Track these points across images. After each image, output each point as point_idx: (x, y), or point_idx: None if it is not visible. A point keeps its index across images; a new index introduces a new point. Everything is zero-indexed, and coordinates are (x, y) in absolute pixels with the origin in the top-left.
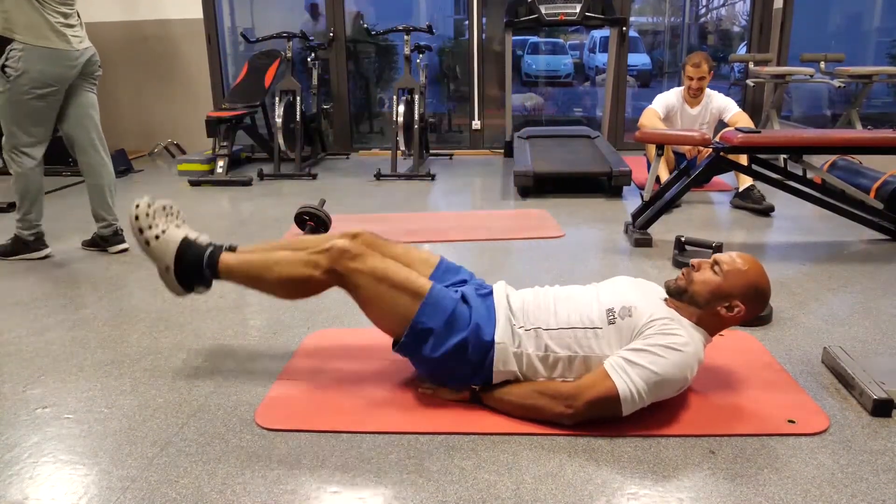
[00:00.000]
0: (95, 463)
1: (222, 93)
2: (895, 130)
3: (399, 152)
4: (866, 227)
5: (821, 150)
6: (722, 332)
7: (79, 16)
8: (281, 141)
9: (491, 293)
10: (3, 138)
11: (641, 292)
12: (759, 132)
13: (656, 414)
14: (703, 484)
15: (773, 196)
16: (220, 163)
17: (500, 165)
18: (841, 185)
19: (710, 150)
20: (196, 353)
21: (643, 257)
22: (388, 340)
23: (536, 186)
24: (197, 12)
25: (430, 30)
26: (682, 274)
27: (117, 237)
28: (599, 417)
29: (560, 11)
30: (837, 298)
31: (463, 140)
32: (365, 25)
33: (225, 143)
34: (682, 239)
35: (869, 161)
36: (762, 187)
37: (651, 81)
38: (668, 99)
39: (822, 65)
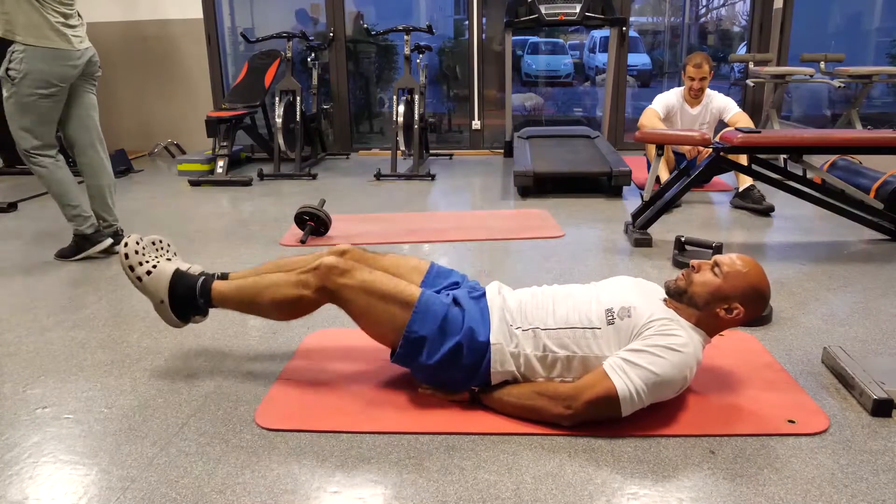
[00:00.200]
0: (95, 463)
1: (222, 93)
2: (895, 130)
3: (399, 152)
4: (866, 227)
5: (821, 150)
6: (721, 333)
7: (80, 16)
8: (281, 141)
9: (484, 295)
10: (16, 144)
11: (641, 293)
12: (759, 132)
13: (656, 414)
14: (703, 484)
15: (773, 196)
16: (220, 163)
17: (500, 165)
18: (841, 185)
19: (710, 150)
20: (196, 353)
21: (643, 257)
22: None
23: (536, 186)
24: (197, 12)
25: (430, 30)
26: (682, 275)
27: (118, 238)
28: (599, 418)
29: (560, 11)
30: (837, 298)
31: (463, 140)
32: (365, 25)
33: (225, 143)
34: (682, 239)
35: (869, 161)
36: (762, 187)
37: (651, 81)
38: (668, 99)
39: (822, 65)
